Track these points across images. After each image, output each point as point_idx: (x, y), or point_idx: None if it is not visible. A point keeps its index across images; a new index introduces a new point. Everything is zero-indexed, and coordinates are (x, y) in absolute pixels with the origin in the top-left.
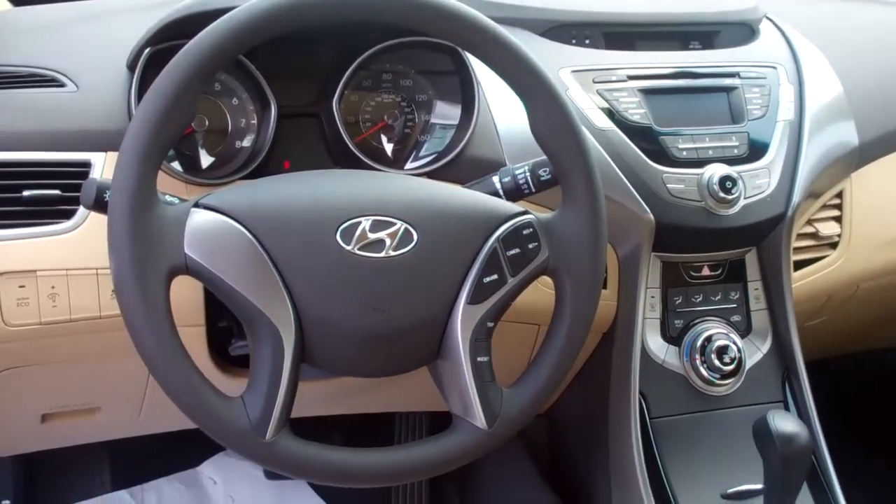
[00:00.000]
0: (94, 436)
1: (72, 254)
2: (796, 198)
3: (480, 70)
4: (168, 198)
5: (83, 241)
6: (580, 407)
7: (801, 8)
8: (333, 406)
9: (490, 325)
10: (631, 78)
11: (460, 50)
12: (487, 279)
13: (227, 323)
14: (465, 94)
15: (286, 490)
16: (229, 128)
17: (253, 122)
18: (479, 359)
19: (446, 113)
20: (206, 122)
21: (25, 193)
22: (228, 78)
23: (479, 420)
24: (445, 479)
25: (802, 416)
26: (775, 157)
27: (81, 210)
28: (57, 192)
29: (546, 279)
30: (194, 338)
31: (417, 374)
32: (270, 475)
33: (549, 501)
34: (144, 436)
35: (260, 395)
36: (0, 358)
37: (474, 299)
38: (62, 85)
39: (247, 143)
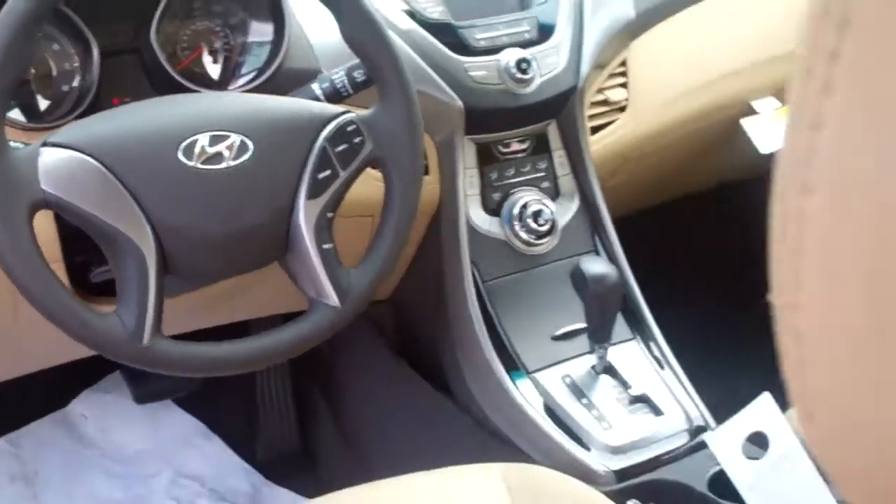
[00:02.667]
0: None
1: None
2: (584, 70)
3: None
4: (14, 144)
5: None
6: (420, 285)
7: None
8: (199, 319)
9: (329, 215)
10: None
11: None
12: (321, 175)
13: (83, 258)
14: (275, 12)
15: (157, 412)
16: (54, 72)
17: (76, 64)
18: (324, 246)
19: (260, 31)
20: (33, 71)
21: None
22: (47, 25)
23: (332, 299)
24: (308, 381)
25: (612, 259)
26: (563, 37)
27: None
28: None
29: (377, 175)
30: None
31: (273, 280)
32: (141, 399)
33: (403, 372)
34: (8, 383)
35: (132, 307)
36: None
37: (312, 194)
38: None
39: (75, 83)
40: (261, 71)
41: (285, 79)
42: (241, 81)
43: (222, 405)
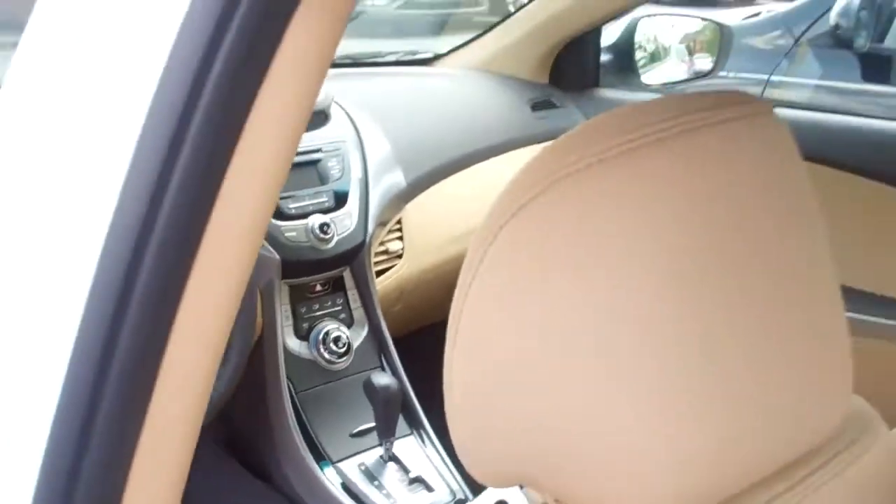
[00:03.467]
0: None
1: None
2: (370, 229)
3: None
4: None
5: None
6: (245, 396)
7: (362, 85)
8: None
9: None
10: None
11: None
12: None
13: None
14: None
15: None
16: None
17: None
18: None
19: None
20: None
21: None
22: None
23: None
24: None
25: (394, 373)
26: (353, 204)
27: None
28: None
29: None
30: None
31: None
32: None
33: (229, 464)
34: None
35: None
36: None
37: None
38: None
39: None
40: None
41: None
42: None
43: None
